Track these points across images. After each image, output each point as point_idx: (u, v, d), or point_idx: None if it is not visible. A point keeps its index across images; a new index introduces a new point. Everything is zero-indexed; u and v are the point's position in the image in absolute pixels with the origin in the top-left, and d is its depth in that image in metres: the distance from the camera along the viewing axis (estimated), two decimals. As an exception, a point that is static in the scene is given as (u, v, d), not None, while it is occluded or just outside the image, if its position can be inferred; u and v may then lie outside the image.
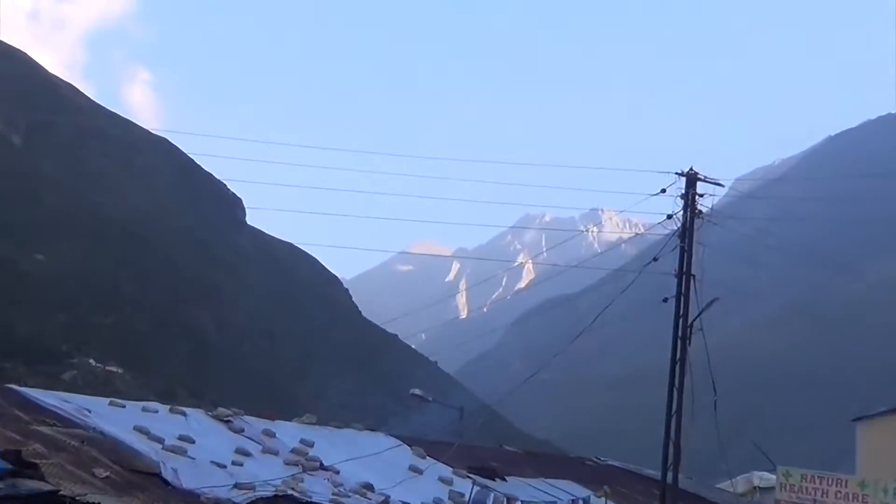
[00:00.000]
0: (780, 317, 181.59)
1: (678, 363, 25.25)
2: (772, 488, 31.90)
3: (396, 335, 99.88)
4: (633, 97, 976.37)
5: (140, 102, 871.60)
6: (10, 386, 24.05)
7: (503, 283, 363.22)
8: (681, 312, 25.40)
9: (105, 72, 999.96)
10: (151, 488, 18.32)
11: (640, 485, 32.06)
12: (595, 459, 36.01)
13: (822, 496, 29.51)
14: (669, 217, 25.55)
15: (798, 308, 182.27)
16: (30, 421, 19.82)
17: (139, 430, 21.57)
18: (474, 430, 36.36)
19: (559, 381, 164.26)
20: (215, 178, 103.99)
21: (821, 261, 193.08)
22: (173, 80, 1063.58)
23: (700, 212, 25.65)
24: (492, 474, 27.30)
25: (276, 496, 20.19)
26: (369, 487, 22.91)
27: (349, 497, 21.87)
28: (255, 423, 25.42)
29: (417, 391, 33.97)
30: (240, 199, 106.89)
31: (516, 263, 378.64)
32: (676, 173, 25.69)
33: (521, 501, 24.53)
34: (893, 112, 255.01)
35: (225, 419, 24.99)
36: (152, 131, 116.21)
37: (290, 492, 20.57)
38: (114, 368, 64.15)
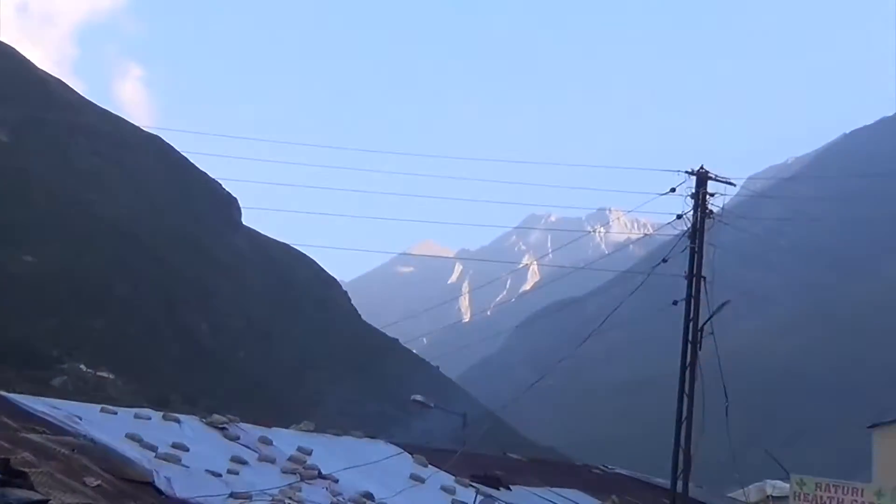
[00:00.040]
0: (793, 320, 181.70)
1: (688, 368, 25.25)
2: (785, 497, 31.85)
3: (397, 339, 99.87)
4: (640, 95, 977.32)
5: (132, 99, 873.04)
6: (-3, 392, 24.05)
7: (507, 286, 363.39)
8: (691, 316, 25.41)
9: (96, 68, 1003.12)
10: (144, 497, 18.31)
11: (649, 494, 32.05)
12: (602, 468, 36.00)
13: (837, 505, 29.48)
14: (679, 217, 25.57)
15: (811, 311, 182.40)
16: (18, 428, 19.80)
17: (131, 437, 21.56)
18: (477, 437, 36.29)
19: (565, 387, 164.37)
20: (210, 177, 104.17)
21: (834, 262, 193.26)
22: (166, 76, 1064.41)
23: (711, 212, 25.67)
24: (496, 483, 27.28)
25: (272, 506, 20.19)
26: (369, 497, 22.90)
27: (348, 507, 21.88)
28: (251, 431, 25.41)
29: (419, 397, 33.96)
30: (235, 199, 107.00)
31: (521, 265, 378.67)
32: (686, 172, 25.71)
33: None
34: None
35: (220, 426, 24.97)
36: (144, 129, 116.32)
37: (287, 501, 20.57)
38: (105, 374, 64.13)
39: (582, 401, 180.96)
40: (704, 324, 25.21)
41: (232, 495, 20.02)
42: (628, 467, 37.83)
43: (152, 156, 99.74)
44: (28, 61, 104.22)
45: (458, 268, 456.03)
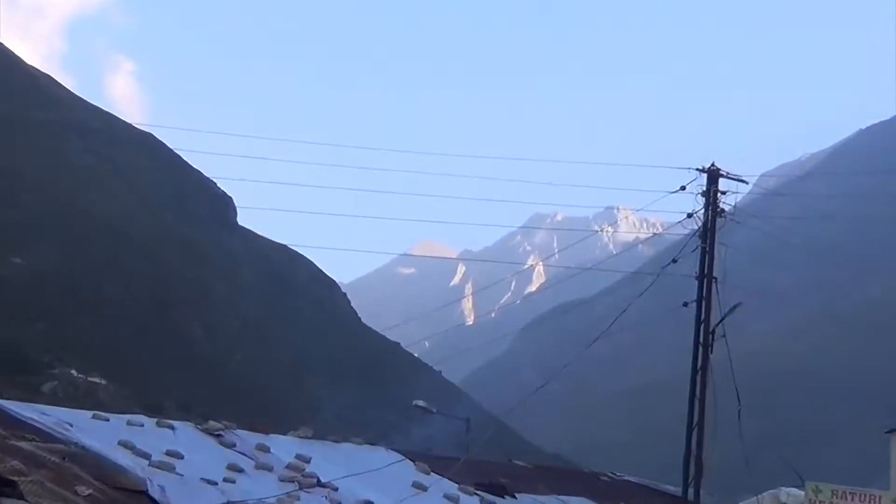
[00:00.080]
0: (807, 320, 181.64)
1: (699, 372, 25.21)
2: (800, 505, 31.83)
3: (398, 342, 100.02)
4: (649, 91, 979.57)
5: (123, 95, 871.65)
6: (-14, 398, 24.04)
7: (512, 287, 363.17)
8: (702, 317, 25.35)
9: (86, 62, 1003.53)
10: (137, 507, 18.30)
11: (659, 502, 32.02)
12: (610, 475, 35.96)
13: (854, 513, 29.43)
14: (690, 216, 25.49)
15: (825, 310, 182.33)
16: (7, 436, 19.77)
17: (124, 444, 21.54)
18: (481, 443, 36.34)
19: (572, 391, 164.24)
20: (204, 176, 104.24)
21: (848, 260, 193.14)
22: (158, 70, 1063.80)
23: (722, 210, 25.58)
24: (501, 491, 27.25)
25: (270, 515, 20.18)
26: (370, 505, 22.89)
27: (348, 516, 21.86)
28: (247, 438, 25.39)
29: (421, 402, 34.01)
30: (231, 198, 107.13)
31: (526, 266, 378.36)
32: (697, 169, 25.62)
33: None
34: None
35: (216, 433, 24.96)
36: (136, 125, 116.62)
37: (285, 510, 20.55)
38: (97, 379, 64.19)
39: (589, 405, 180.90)
40: (716, 326, 25.14)
41: (228, 504, 20.01)
42: (637, 473, 37.78)
43: (145, 153, 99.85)
44: (16, 56, 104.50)
45: (461, 269, 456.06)
